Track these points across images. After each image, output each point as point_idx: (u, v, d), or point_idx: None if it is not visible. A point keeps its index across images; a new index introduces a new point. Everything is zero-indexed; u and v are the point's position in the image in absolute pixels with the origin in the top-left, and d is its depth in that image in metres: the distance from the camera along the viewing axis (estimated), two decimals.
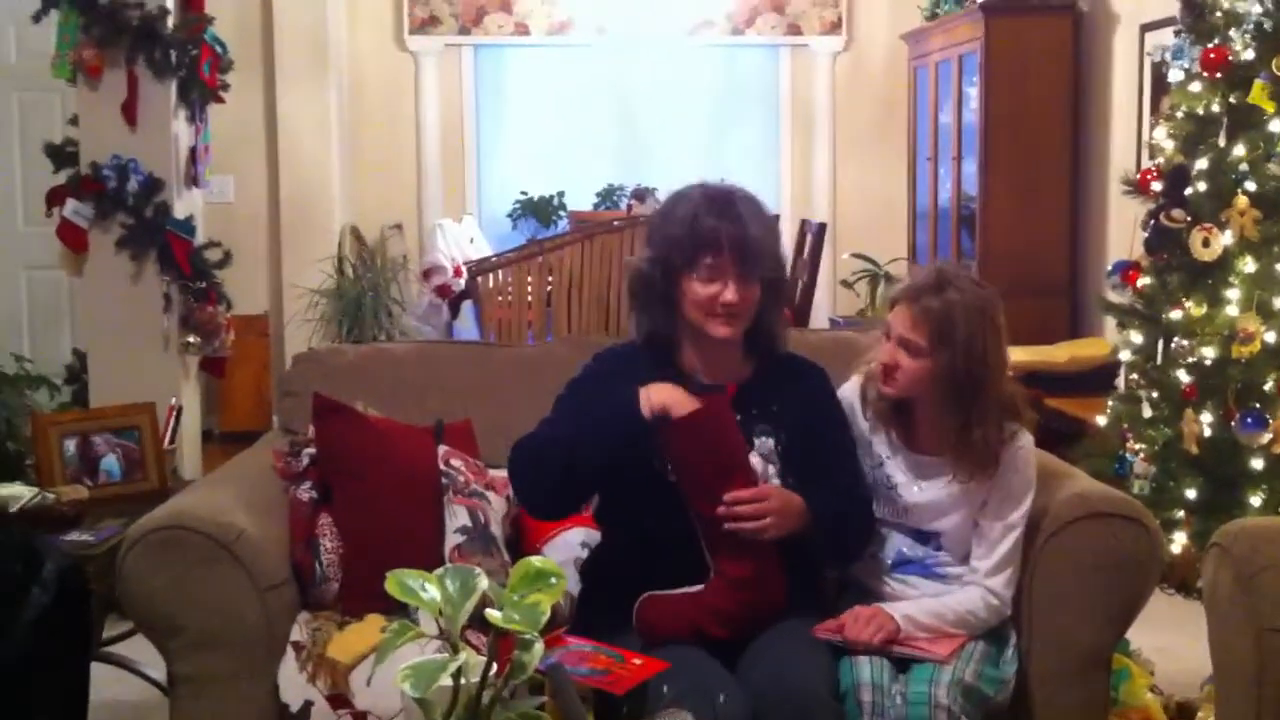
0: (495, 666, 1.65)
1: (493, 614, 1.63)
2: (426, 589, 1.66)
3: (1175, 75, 3.72)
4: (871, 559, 2.59)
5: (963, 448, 2.49)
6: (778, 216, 2.83)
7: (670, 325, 2.50)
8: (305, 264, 6.65)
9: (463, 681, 1.62)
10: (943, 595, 2.51)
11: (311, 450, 2.79)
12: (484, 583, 1.67)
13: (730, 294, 2.40)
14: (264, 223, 6.85)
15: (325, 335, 6.36)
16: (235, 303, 4.98)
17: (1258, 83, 3.39)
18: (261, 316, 6.62)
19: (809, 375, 2.60)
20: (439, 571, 1.68)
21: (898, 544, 2.58)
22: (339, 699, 2.38)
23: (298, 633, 2.50)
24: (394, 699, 2.32)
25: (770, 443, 2.48)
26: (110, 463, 3.39)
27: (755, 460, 2.45)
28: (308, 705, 2.38)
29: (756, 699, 2.19)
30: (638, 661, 2.02)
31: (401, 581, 1.66)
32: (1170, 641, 3.35)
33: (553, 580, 1.69)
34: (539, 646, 1.64)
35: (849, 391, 2.64)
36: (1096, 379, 5.07)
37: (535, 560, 1.70)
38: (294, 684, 2.41)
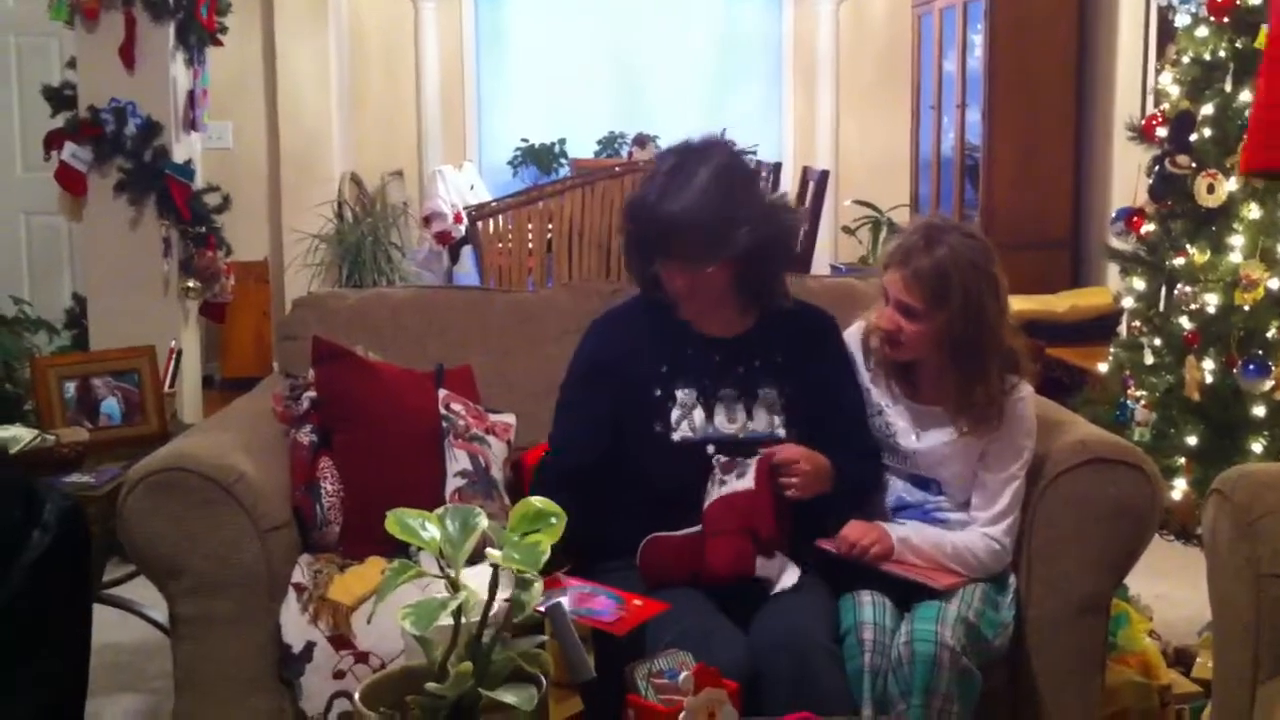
0: (495, 605, 1.66)
1: (493, 553, 1.63)
2: (427, 528, 1.66)
3: (1182, 20, 3.69)
4: (870, 503, 2.60)
5: (965, 403, 2.49)
6: (763, 170, 2.80)
7: (660, 289, 2.51)
8: (305, 210, 6.62)
9: (463, 620, 1.63)
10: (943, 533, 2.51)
11: (311, 394, 2.79)
12: (484, 522, 1.68)
13: (677, 281, 2.43)
14: (263, 169, 6.81)
15: (325, 281, 6.35)
16: (235, 249, 4.96)
17: (1264, 28, 3.35)
18: (261, 263, 6.59)
19: (817, 325, 2.60)
20: (439, 511, 1.68)
21: (897, 489, 2.58)
22: (341, 640, 2.39)
23: (299, 575, 2.51)
24: (395, 640, 2.33)
25: (774, 394, 2.49)
26: (110, 405, 3.38)
27: (761, 412, 2.46)
28: (310, 646, 2.39)
29: (754, 643, 2.20)
30: (637, 603, 2.03)
31: (402, 521, 1.66)
32: (1169, 588, 3.37)
33: (553, 520, 1.69)
34: (538, 585, 1.64)
35: (851, 339, 2.65)
36: (1097, 329, 5.07)
37: (535, 500, 1.70)
38: (296, 625, 2.42)
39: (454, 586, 1.63)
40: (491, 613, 1.64)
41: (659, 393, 2.47)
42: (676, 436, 2.45)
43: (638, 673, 1.92)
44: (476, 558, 1.66)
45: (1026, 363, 2.57)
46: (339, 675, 2.38)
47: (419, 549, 2.49)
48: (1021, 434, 2.52)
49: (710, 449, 2.44)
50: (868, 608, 2.35)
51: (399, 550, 2.54)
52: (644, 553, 2.36)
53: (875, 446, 2.57)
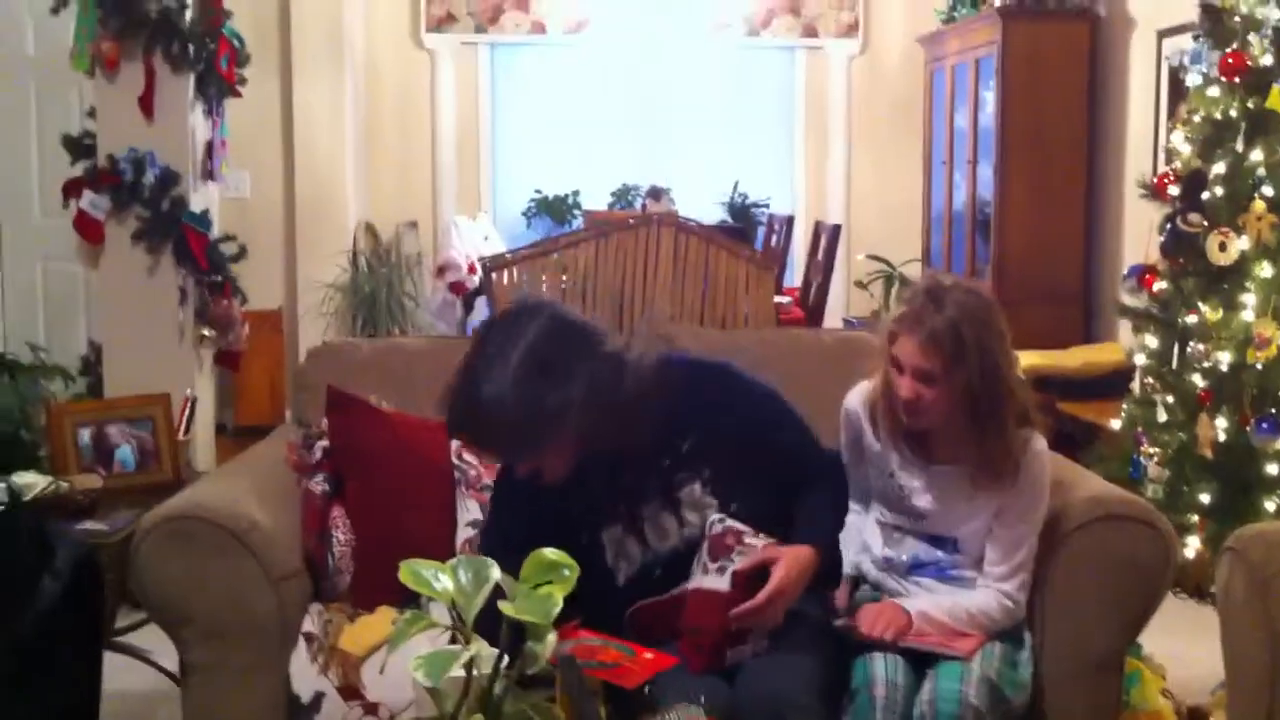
0: (507, 658, 1.66)
1: (505, 605, 1.63)
2: (440, 579, 1.67)
3: (1194, 79, 3.71)
4: (887, 562, 2.58)
5: (984, 460, 2.47)
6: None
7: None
8: (320, 259, 6.67)
9: (474, 673, 1.63)
10: (957, 595, 2.49)
11: (325, 443, 2.80)
12: (496, 573, 1.68)
13: (524, 471, 2.29)
14: (279, 218, 6.87)
15: (339, 330, 6.38)
16: (250, 297, 4.99)
17: (1275, 87, 3.38)
18: (276, 311, 6.63)
19: (710, 385, 2.43)
20: (452, 562, 1.69)
21: (913, 548, 2.56)
22: (350, 690, 2.38)
23: (309, 624, 2.50)
24: (405, 690, 2.32)
25: (695, 485, 2.39)
26: (125, 453, 3.40)
27: (690, 512, 2.38)
28: (319, 696, 2.39)
29: (737, 703, 2.16)
30: (648, 656, 2.02)
31: (415, 571, 1.67)
32: (1182, 646, 3.34)
33: (565, 571, 1.69)
34: (551, 637, 1.64)
35: (855, 403, 2.61)
36: (1109, 385, 5.05)
37: (548, 551, 1.70)
38: (305, 675, 2.42)
39: (466, 639, 1.63)
40: (503, 665, 1.65)
41: (585, 541, 2.36)
42: (620, 580, 2.38)
43: None
44: None
45: (1037, 415, 2.55)
46: None
47: (430, 599, 2.51)
48: (1037, 489, 2.50)
49: (657, 572, 2.36)
50: (880, 664, 2.33)
51: (410, 600, 2.55)
52: (629, 621, 2.31)
53: (822, 456, 2.51)
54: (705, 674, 2.23)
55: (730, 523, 2.33)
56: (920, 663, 2.37)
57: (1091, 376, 5.23)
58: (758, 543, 2.31)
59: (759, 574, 2.27)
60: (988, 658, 2.36)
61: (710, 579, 2.29)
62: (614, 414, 2.25)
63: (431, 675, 1.57)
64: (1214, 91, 3.59)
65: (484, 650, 1.64)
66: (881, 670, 2.32)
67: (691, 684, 2.13)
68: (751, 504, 2.39)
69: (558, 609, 1.65)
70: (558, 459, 2.26)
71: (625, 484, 2.38)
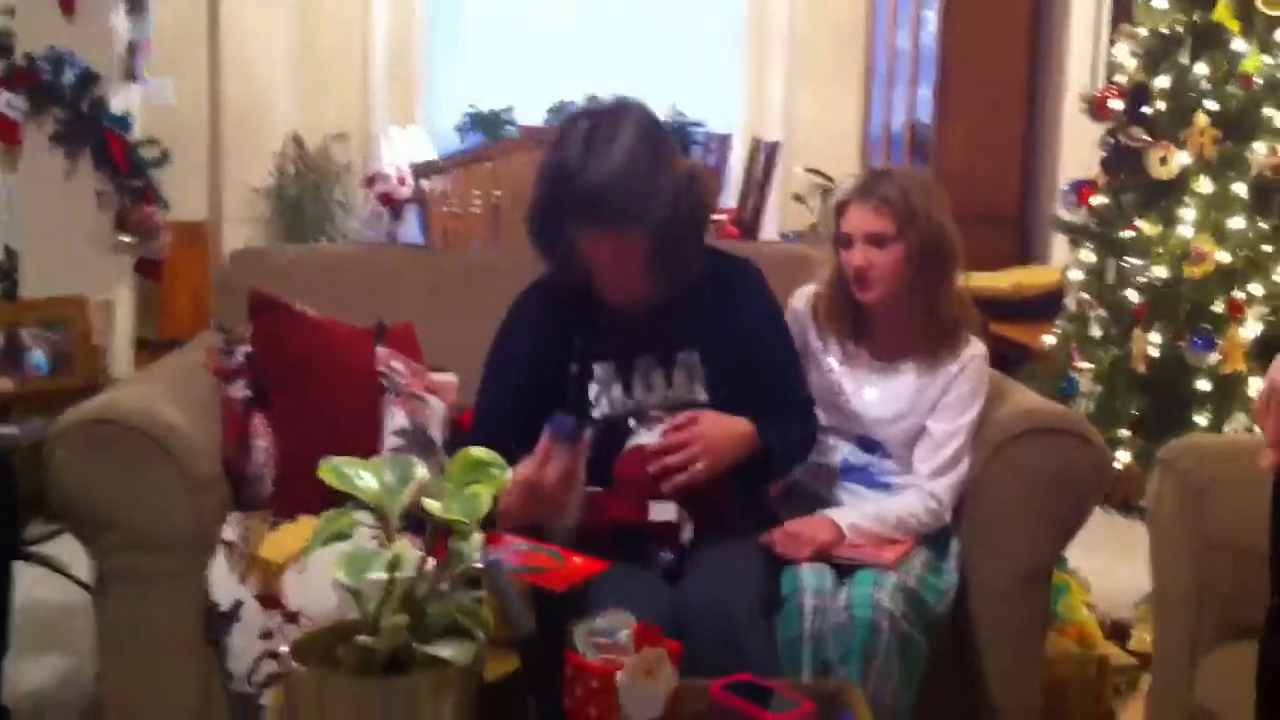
0: (432, 559, 1.61)
1: (430, 503, 1.58)
2: (362, 476, 1.61)
3: None
4: (817, 466, 2.58)
5: (929, 331, 2.51)
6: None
7: (570, 259, 2.36)
8: (246, 170, 6.51)
9: (398, 575, 1.58)
10: (884, 501, 2.51)
11: (246, 348, 2.72)
12: (422, 472, 1.63)
13: (603, 249, 2.29)
14: (205, 128, 6.68)
15: (265, 238, 6.24)
16: (174, 209, 4.85)
17: (1222, 1, 3.35)
18: (202, 224, 6.47)
19: (735, 276, 2.50)
20: (375, 459, 1.63)
21: (843, 451, 2.58)
22: (270, 599, 2.33)
23: (229, 532, 2.44)
24: (326, 600, 2.26)
25: (694, 356, 2.42)
26: (38, 357, 3.29)
27: (681, 377, 2.41)
28: (238, 605, 2.33)
29: (681, 613, 2.16)
30: (578, 560, 1.98)
31: (336, 469, 1.61)
32: (1106, 560, 3.37)
33: (494, 470, 1.64)
34: (477, 537, 1.59)
35: (800, 303, 2.63)
36: (1041, 307, 5.06)
37: (477, 449, 1.65)
38: (224, 583, 2.36)
39: (389, 538, 1.58)
40: (428, 565, 1.60)
41: (576, 369, 2.41)
42: (596, 414, 2.39)
43: (577, 631, 1.88)
44: None
45: (976, 319, 2.59)
46: (267, 635, 2.31)
47: (354, 508, 2.46)
48: (971, 388, 2.53)
49: (632, 422, 2.38)
50: (808, 573, 2.33)
51: (333, 507, 2.50)
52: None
53: (806, 396, 2.53)
54: (625, 523, 2.28)
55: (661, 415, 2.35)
56: (847, 572, 2.37)
57: (1024, 298, 5.25)
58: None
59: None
60: (909, 565, 2.38)
61: (642, 436, 2.33)
62: (693, 211, 2.35)
63: (352, 574, 1.52)
64: (1160, 4, 3.56)
65: (407, 551, 1.58)
66: (810, 580, 2.32)
67: (631, 589, 2.12)
68: (731, 397, 2.40)
69: (485, 509, 1.60)
70: (642, 243, 2.29)
71: (631, 330, 2.42)
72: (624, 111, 2.31)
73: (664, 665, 1.80)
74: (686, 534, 2.34)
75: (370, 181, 5.95)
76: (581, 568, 1.96)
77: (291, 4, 7.02)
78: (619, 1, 7.65)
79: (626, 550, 2.26)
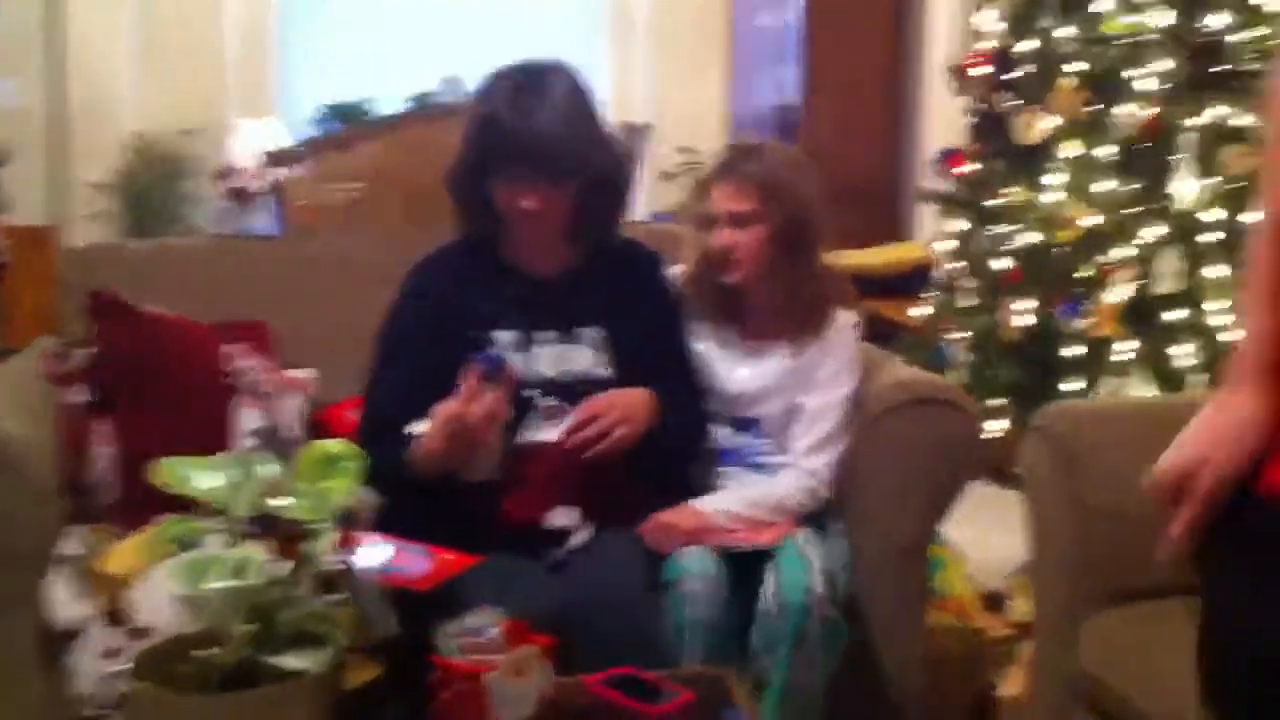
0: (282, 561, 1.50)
1: (278, 502, 1.48)
2: (202, 477, 1.50)
3: None
4: (701, 465, 2.53)
5: (796, 309, 2.48)
6: None
7: (489, 220, 2.38)
8: (93, 170, 6.25)
9: (244, 581, 1.47)
10: (761, 484, 2.46)
11: (86, 351, 2.58)
12: (267, 468, 1.52)
13: (530, 202, 2.29)
14: (47, 127, 6.41)
15: (113, 237, 6.00)
16: (16, 212, 4.62)
17: None
18: (47, 228, 6.20)
19: (643, 262, 2.52)
20: (215, 457, 1.52)
21: (718, 435, 2.52)
22: (116, 615, 2.20)
23: (70, 547, 2.30)
24: (172, 613, 2.16)
25: (597, 333, 2.39)
26: None
27: (584, 351, 2.37)
28: (81, 624, 2.19)
29: (565, 594, 2.12)
30: (445, 557, 1.89)
31: (171, 470, 1.50)
32: (981, 531, 3.35)
33: (347, 465, 1.54)
34: (329, 537, 1.49)
35: None
36: (912, 282, 5.09)
37: (328, 442, 1.55)
38: (66, 602, 2.22)
39: (233, 541, 1.47)
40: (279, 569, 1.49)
41: (477, 334, 2.36)
42: (484, 384, 2.31)
43: (444, 632, 1.78)
44: None
45: (848, 295, 2.58)
46: (113, 654, 2.17)
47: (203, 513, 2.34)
48: (845, 360, 2.51)
49: (525, 393, 2.32)
50: (691, 558, 2.27)
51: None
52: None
53: (702, 389, 2.50)
54: (521, 525, 2.22)
55: (556, 403, 2.29)
56: (735, 555, 2.32)
57: (895, 274, 5.27)
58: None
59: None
60: (823, 547, 2.34)
61: (545, 432, 2.27)
62: (615, 174, 2.42)
63: (189, 583, 1.40)
64: None
65: (254, 553, 1.47)
66: (693, 565, 2.26)
67: (509, 582, 2.05)
68: (631, 378, 2.37)
69: (338, 506, 1.50)
70: (567, 200, 2.32)
71: (537, 299, 2.39)
72: (550, 69, 2.35)
73: (536, 663, 1.72)
74: (582, 538, 2.28)
75: (222, 175, 5.76)
76: (449, 565, 1.87)
77: None
78: None
79: (510, 542, 2.20)
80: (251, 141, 6.03)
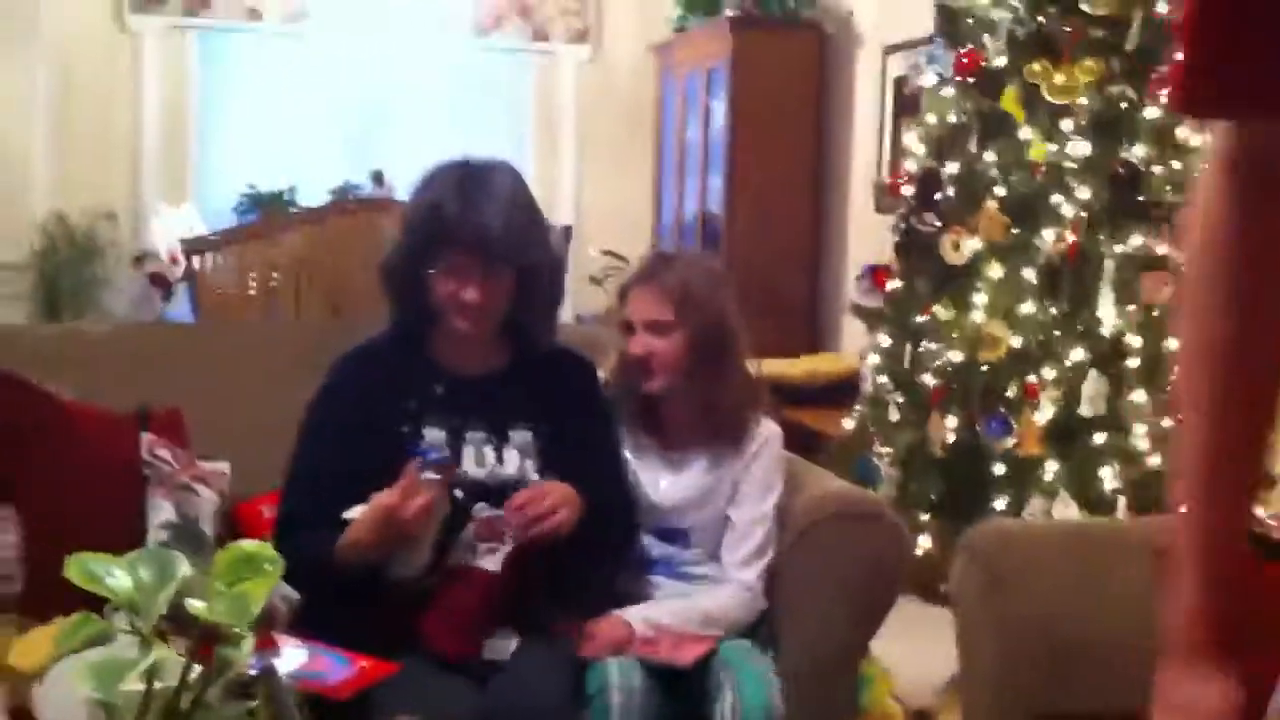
0: (197, 666, 1.42)
1: (194, 604, 1.40)
2: (114, 574, 1.41)
3: (929, 80, 3.76)
4: (629, 571, 2.48)
5: (714, 419, 2.47)
6: None
7: (421, 313, 2.34)
8: (3, 248, 6.11)
9: (157, 685, 1.38)
10: (689, 595, 2.42)
11: None
12: (185, 569, 1.44)
13: (471, 293, 2.26)
14: None
15: (23, 319, 5.84)
16: None
17: (1009, 89, 3.46)
18: None
19: (574, 369, 2.48)
20: (130, 555, 1.44)
21: (645, 543, 2.47)
22: (20, 713, 2.09)
23: None
24: (78, 714, 2.06)
25: (528, 436, 2.34)
26: None
27: (513, 454, 2.32)
28: None
29: (489, 712, 2.06)
30: (364, 664, 1.82)
31: (83, 567, 1.41)
32: (908, 648, 3.33)
33: (267, 567, 1.47)
34: (248, 642, 1.41)
35: None
36: (834, 393, 5.11)
37: (247, 543, 1.48)
38: None
39: (147, 643, 1.39)
40: (192, 675, 1.41)
41: (406, 430, 2.30)
42: (423, 479, 2.26)
43: None
44: None
45: (767, 404, 2.57)
46: None
47: (115, 609, 2.23)
48: (769, 470, 2.49)
49: (458, 493, 2.25)
50: (613, 670, 2.21)
51: (92, 609, 2.27)
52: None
53: (628, 488, 2.46)
54: (457, 660, 2.14)
55: (495, 513, 2.22)
56: (659, 668, 2.26)
57: (817, 385, 5.28)
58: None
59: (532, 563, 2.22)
60: (765, 660, 2.31)
61: (481, 560, 2.20)
62: (555, 270, 2.45)
63: (102, 686, 1.32)
64: (948, 92, 3.64)
65: (168, 657, 1.39)
66: (615, 676, 2.20)
67: (436, 691, 2.00)
68: (561, 481, 2.30)
69: (257, 609, 1.42)
70: (505, 293, 2.30)
71: (466, 399, 2.34)
72: (493, 165, 2.34)
73: None
74: (507, 649, 2.22)
75: (139, 261, 5.66)
76: (368, 672, 1.80)
77: (51, 78, 6.67)
78: (404, 84, 7.51)
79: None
80: (171, 227, 5.95)
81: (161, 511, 2.47)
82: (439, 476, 2.13)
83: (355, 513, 2.18)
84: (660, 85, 7.23)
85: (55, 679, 2.10)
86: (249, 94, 7.37)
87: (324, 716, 1.73)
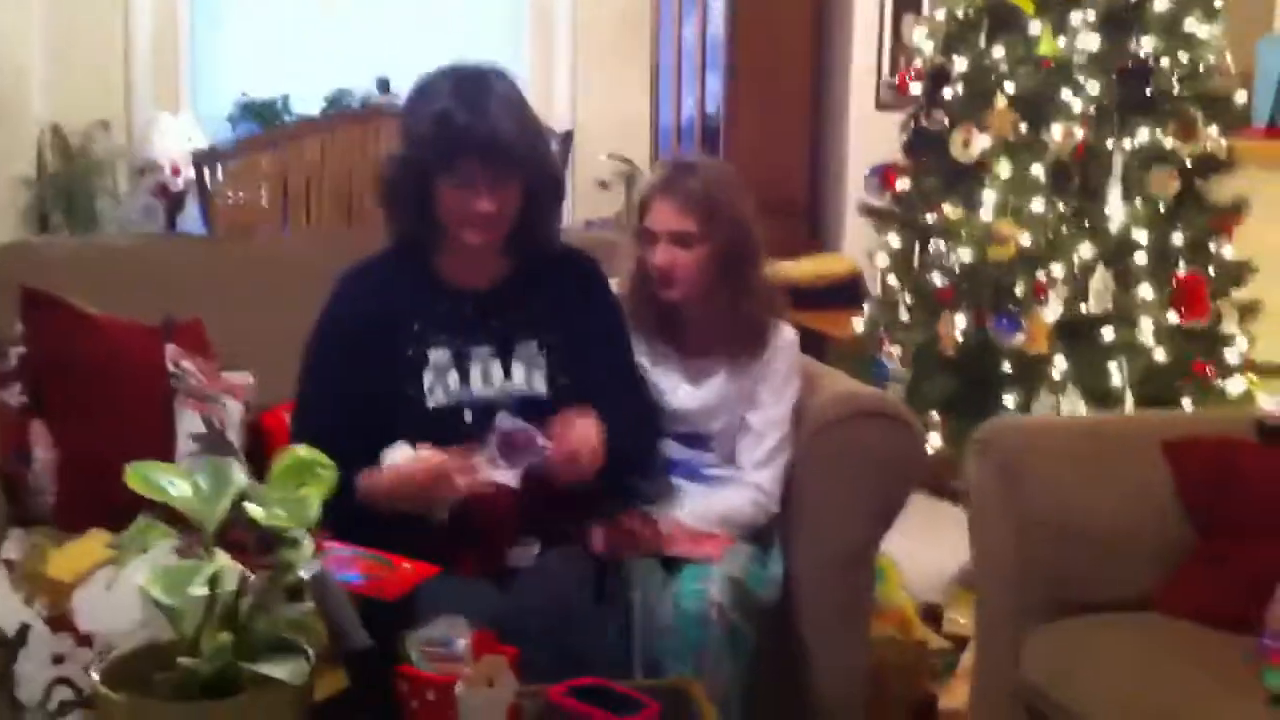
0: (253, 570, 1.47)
1: (254, 509, 1.45)
2: (175, 484, 1.46)
3: None
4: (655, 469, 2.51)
5: (735, 328, 2.48)
6: None
7: (424, 228, 2.29)
8: (3, 163, 6.06)
9: (219, 590, 1.44)
10: (709, 496, 2.46)
11: (20, 350, 2.51)
12: (241, 477, 1.49)
13: (485, 203, 2.20)
14: None
15: (26, 233, 5.82)
16: None
17: None
18: None
19: (580, 269, 2.43)
20: (187, 463, 1.49)
21: (665, 448, 2.50)
22: (60, 621, 2.12)
23: (10, 550, 2.26)
24: (121, 620, 2.08)
25: (533, 347, 2.32)
26: None
27: (519, 368, 2.30)
28: (24, 629, 2.11)
29: (511, 615, 2.06)
30: (407, 566, 1.86)
31: (145, 475, 1.46)
32: (916, 544, 3.40)
33: (321, 471, 1.52)
34: (309, 545, 1.46)
35: None
36: (837, 294, 5.14)
37: (301, 449, 1.52)
38: (8, 607, 2.14)
39: (208, 550, 1.44)
40: (250, 577, 1.46)
41: (410, 353, 2.28)
42: (431, 403, 2.26)
43: (410, 642, 1.76)
44: None
45: (784, 308, 2.59)
46: (58, 660, 2.10)
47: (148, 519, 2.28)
48: (786, 373, 2.52)
49: (468, 415, 2.25)
50: (635, 570, 2.27)
51: (123, 521, 2.32)
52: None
53: (648, 395, 2.47)
54: (481, 576, 2.13)
55: (521, 423, 2.18)
56: (675, 567, 2.32)
57: (819, 286, 5.29)
58: (549, 446, 2.17)
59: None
60: (734, 556, 2.34)
61: (500, 474, 2.16)
62: (556, 173, 2.39)
63: (171, 592, 1.37)
64: None
65: (226, 564, 1.44)
66: (637, 574, 2.26)
67: (459, 593, 2.00)
68: (573, 392, 2.29)
69: (314, 513, 1.47)
70: (514, 200, 2.25)
71: (470, 315, 2.31)
72: (486, 70, 2.28)
73: (504, 673, 1.71)
74: (531, 554, 2.24)
75: (142, 172, 5.62)
76: (412, 574, 1.84)
77: None
78: None
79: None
80: (171, 137, 5.90)
81: (190, 422, 2.51)
82: (513, 472, 2.12)
83: (396, 456, 2.16)
84: None
85: (97, 586, 2.16)
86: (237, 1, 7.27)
87: (370, 617, 1.79)
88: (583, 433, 2.16)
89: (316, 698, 1.55)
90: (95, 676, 1.44)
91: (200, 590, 1.41)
